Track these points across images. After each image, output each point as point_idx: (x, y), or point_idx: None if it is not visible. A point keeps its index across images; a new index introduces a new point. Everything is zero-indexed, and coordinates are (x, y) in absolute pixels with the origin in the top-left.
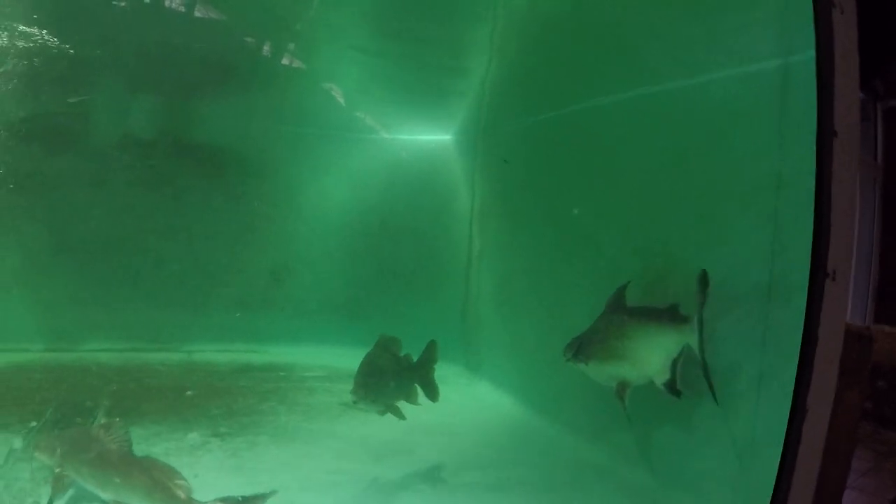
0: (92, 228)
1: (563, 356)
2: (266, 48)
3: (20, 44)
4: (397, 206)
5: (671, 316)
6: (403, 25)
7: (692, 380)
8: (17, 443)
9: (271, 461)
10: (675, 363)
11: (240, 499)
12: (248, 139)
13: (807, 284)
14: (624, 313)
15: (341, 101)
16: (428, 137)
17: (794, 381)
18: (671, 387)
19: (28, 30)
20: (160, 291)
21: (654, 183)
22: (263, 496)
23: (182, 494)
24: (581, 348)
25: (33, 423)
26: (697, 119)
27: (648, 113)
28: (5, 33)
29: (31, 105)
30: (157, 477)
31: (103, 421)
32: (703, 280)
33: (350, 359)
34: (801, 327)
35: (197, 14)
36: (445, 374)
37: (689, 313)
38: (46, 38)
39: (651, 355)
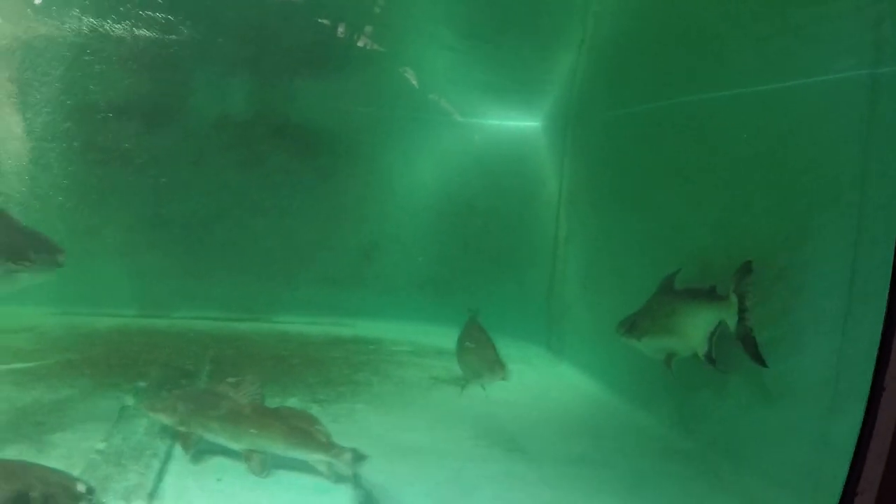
0: (189, 204)
1: (616, 332)
2: (359, 33)
3: (122, 28)
4: (485, 188)
5: (710, 295)
6: (494, 12)
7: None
8: (129, 400)
9: (374, 426)
10: (712, 336)
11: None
12: (341, 121)
13: (889, 278)
14: (671, 294)
15: (432, 85)
16: (517, 123)
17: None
18: (709, 357)
19: (134, 13)
20: (253, 265)
21: (741, 177)
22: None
23: (322, 438)
24: (633, 325)
25: (141, 383)
26: (786, 120)
27: (739, 112)
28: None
29: (134, 86)
30: (294, 423)
31: (231, 380)
32: (747, 268)
33: (436, 336)
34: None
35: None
36: (528, 354)
37: (725, 293)
38: (150, 21)
39: (693, 330)
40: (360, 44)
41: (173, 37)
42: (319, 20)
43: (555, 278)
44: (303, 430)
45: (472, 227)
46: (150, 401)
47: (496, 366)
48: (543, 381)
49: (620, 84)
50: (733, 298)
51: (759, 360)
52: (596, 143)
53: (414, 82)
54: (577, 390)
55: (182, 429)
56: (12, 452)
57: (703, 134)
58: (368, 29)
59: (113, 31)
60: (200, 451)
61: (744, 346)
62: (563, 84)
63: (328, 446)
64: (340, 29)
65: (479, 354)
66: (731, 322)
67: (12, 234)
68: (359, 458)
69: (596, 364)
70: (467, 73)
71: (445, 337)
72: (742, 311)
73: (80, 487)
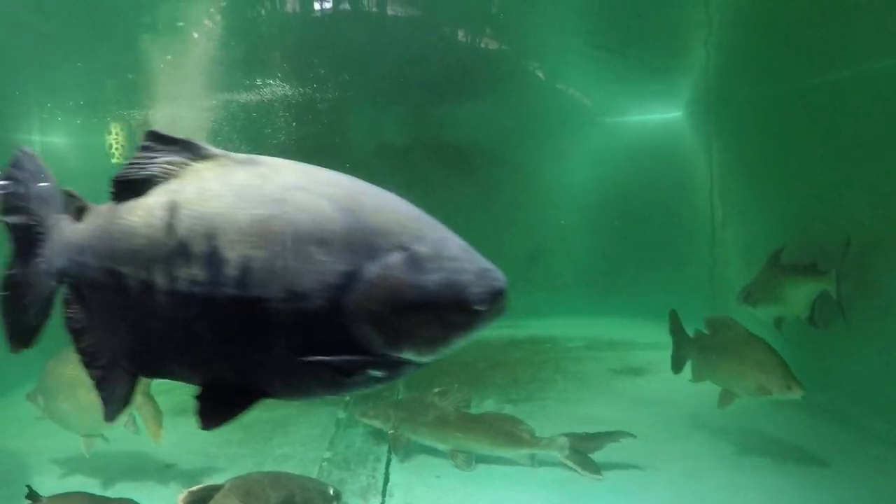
0: None
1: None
2: (499, 49)
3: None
4: (638, 181)
5: (811, 269)
6: (624, 13)
7: None
8: (340, 413)
9: (567, 420)
10: (814, 303)
11: (584, 435)
12: (492, 135)
13: None
14: (778, 268)
15: (575, 90)
16: (659, 116)
17: None
18: (811, 320)
19: (293, 68)
20: None
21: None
22: (615, 435)
23: (527, 436)
24: (748, 295)
25: (347, 398)
26: None
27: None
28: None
29: (299, 130)
30: (499, 427)
31: (437, 390)
32: (847, 244)
33: (605, 328)
34: None
35: (436, 28)
36: None
37: (827, 267)
38: (308, 75)
39: (795, 299)
40: (501, 62)
41: (330, 86)
42: (462, 43)
43: (715, 262)
44: (508, 432)
45: (629, 220)
46: (363, 408)
47: (793, 383)
48: None
49: (756, 66)
50: (833, 273)
51: (844, 319)
52: (741, 126)
53: (556, 90)
54: None
55: (393, 433)
56: (251, 464)
57: (853, 109)
58: (508, 44)
59: (281, 88)
60: (417, 453)
61: (842, 312)
62: (698, 71)
63: (535, 441)
64: (481, 52)
65: (764, 368)
66: (833, 291)
67: None
68: (572, 446)
69: None
70: (607, 75)
71: (615, 329)
72: (840, 282)
73: (332, 492)
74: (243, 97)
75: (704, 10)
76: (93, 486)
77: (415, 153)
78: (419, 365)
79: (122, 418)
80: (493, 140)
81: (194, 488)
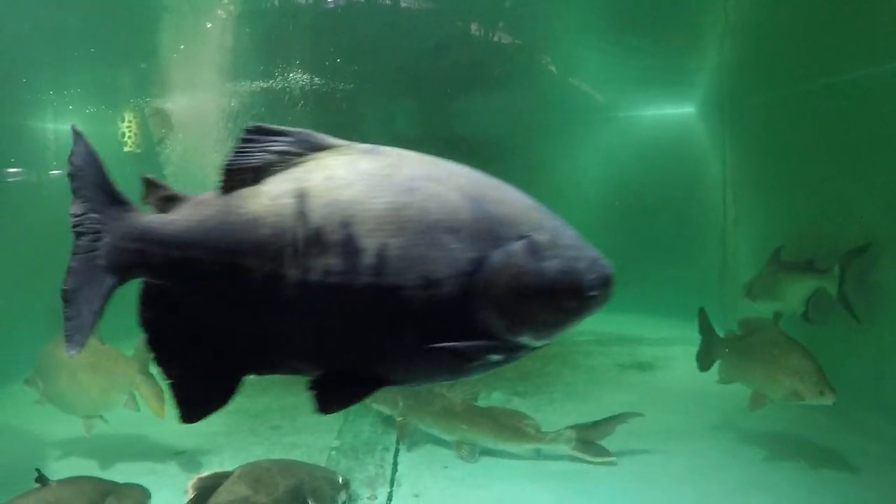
0: None
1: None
2: (512, 43)
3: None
4: (650, 177)
5: (808, 267)
6: (639, 9)
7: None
8: None
9: (573, 414)
10: (808, 300)
11: (589, 424)
12: (504, 128)
13: None
14: (778, 265)
15: (588, 85)
16: (672, 111)
17: None
18: (805, 316)
19: (305, 59)
20: None
21: None
22: (622, 417)
23: (532, 431)
24: (750, 289)
25: None
26: None
27: None
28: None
29: (311, 122)
30: (504, 421)
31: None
32: (860, 249)
33: (615, 324)
34: None
35: (449, 21)
36: None
37: (826, 266)
38: (320, 66)
39: (792, 295)
40: (514, 56)
41: (343, 77)
42: (473, 42)
43: (727, 261)
44: (513, 427)
45: (640, 216)
46: (375, 396)
47: (826, 389)
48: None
49: (772, 66)
50: (836, 271)
51: (856, 318)
52: (755, 124)
53: (569, 85)
54: None
55: (401, 420)
56: (259, 452)
57: (867, 110)
58: (522, 40)
59: (293, 78)
60: (425, 443)
61: (844, 308)
62: (712, 69)
63: (540, 437)
64: (494, 46)
65: (799, 373)
66: (832, 290)
67: None
68: (579, 437)
69: None
70: (621, 70)
71: (623, 324)
72: (843, 282)
73: (340, 480)
74: (255, 87)
75: (722, 7)
76: (102, 472)
77: (427, 146)
78: (533, 349)
79: (123, 397)
80: (506, 134)
81: (203, 475)
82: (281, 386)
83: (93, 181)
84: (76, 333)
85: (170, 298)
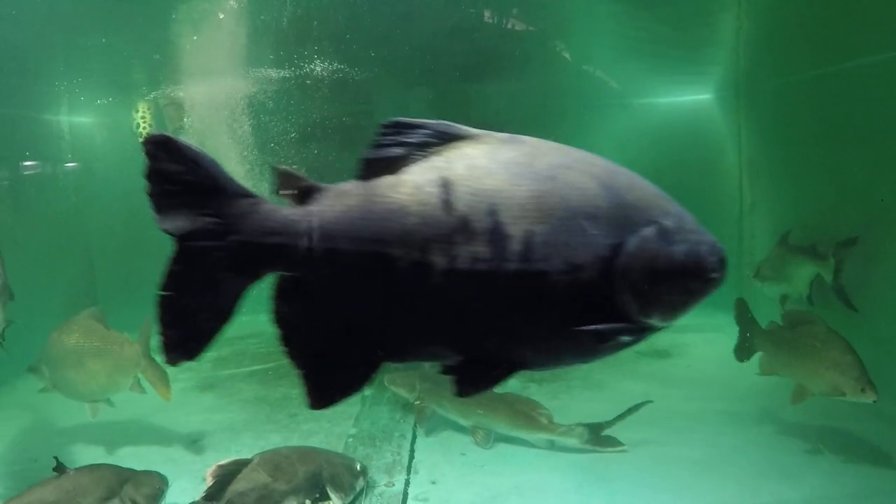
0: None
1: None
2: (526, 30)
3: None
4: (666, 164)
5: (811, 251)
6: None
7: None
8: (367, 390)
9: (591, 401)
10: (811, 283)
11: (601, 424)
12: (518, 116)
13: None
14: (786, 248)
15: (600, 72)
16: (687, 98)
17: None
18: (809, 299)
19: (319, 47)
20: None
21: None
22: (633, 409)
23: (545, 421)
24: (758, 272)
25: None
26: None
27: None
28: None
29: (326, 109)
30: (518, 408)
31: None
32: (852, 241)
33: None
34: None
35: (462, 7)
36: (721, 323)
37: (824, 251)
38: (334, 53)
39: (798, 277)
40: (528, 43)
41: (357, 65)
42: (487, 29)
43: (742, 248)
44: (526, 414)
45: None
46: (392, 376)
47: (868, 387)
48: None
49: (789, 51)
50: (831, 259)
51: (852, 307)
52: (771, 110)
53: (585, 71)
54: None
55: (418, 403)
56: (277, 440)
57: (883, 94)
58: (533, 28)
59: (308, 66)
60: (443, 430)
61: (837, 296)
62: (728, 53)
63: (553, 427)
64: (508, 33)
65: (841, 368)
66: (827, 276)
67: None
68: (591, 432)
69: None
70: (635, 56)
71: None
72: (838, 270)
73: (358, 467)
74: (270, 76)
75: None
76: (120, 460)
77: None
78: (659, 329)
79: (129, 381)
80: (520, 121)
81: (223, 462)
82: (297, 374)
83: (202, 180)
84: (183, 343)
85: (306, 290)
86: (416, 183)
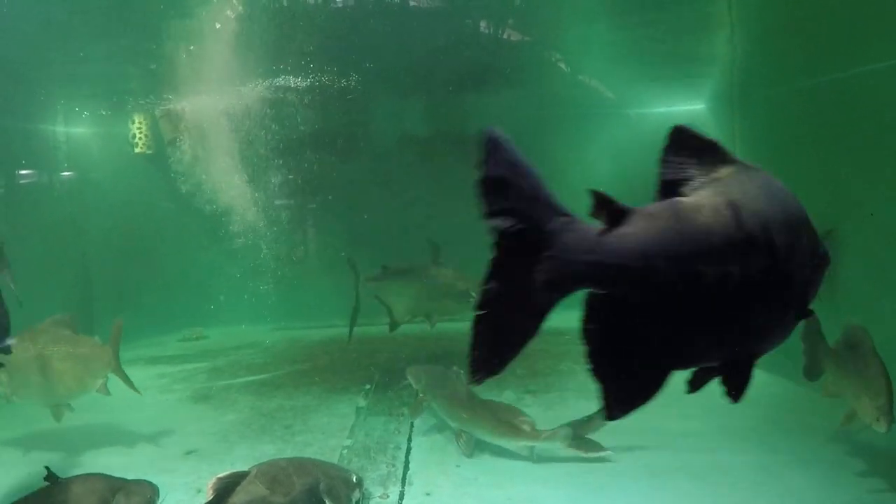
0: (381, 221)
1: None
2: (522, 41)
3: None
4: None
5: None
6: (648, 5)
7: None
8: (361, 402)
9: (584, 412)
10: None
11: (585, 419)
12: (514, 126)
13: None
14: None
15: (595, 82)
16: (681, 108)
17: None
18: None
19: (314, 58)
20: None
21: None
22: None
23: (527, 429)
24: None
25: (367, 386)
26: None
27: None
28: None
29: (320, 120)
30: (501, 416)
31: (456, 368)
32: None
33: None
34: None
35: (459, 18)
36: None
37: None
38: (329, 65)
39: None
40: (524, 54)
41: (350, 70)
42: (483, 40)
43: None
44: (508, 422)
45: None
46: (413, 366)
47: (884, 417)
48: None
49: (782, 62)
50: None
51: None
52: (765, 120)
53: (580, 82)
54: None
55: (420, 396)
56: (272, 451)
57: (877, 105)
58: (529, 39)
59: (303, 78)
60: (437, 442)
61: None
62: (722, 64)
63: (535, 434)
64: (504, 44)
65: (870, 391)
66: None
67: None
68: (575, 434)
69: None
70: (629, 67)
71: None
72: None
73: (354, 478)
74: (265, 86)
75: (727, 10)
76: (113, 469)
77: (436, 144)
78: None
79: (98, 383)
80: (515, 132)
81: (221, 474)
82: (292, 385)
83: (527, 191)
84: (487, 360)
85: (617, 307)
86: (713, 206)
